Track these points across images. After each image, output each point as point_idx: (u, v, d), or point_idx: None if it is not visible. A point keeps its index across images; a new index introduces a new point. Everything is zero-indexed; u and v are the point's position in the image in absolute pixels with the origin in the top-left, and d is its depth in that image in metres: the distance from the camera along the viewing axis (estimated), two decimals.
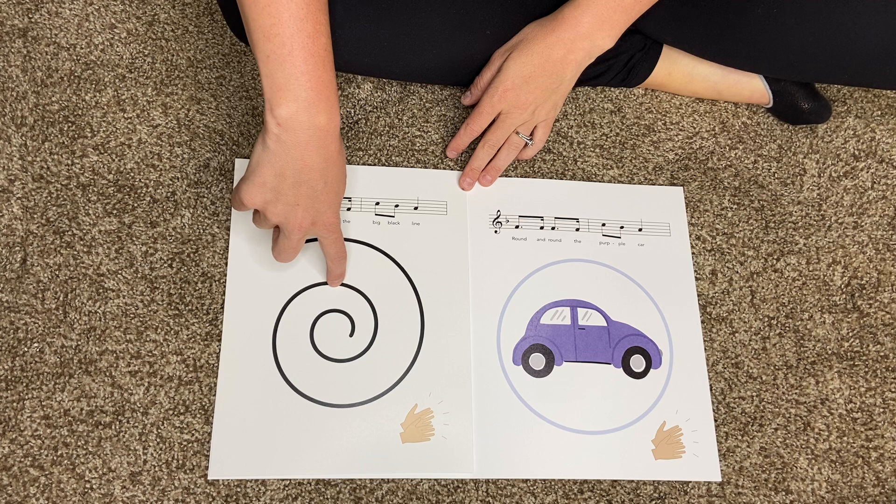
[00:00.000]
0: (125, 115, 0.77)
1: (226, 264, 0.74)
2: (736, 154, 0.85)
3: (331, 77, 0.58)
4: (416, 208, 0.78)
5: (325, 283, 0.74)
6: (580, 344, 0.75)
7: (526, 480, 0.71)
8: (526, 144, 0.79)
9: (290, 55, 0.56)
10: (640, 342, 0.76)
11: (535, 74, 0.72)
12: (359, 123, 0.81)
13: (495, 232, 0.78)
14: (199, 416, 0.69)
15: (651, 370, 0.75)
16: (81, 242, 0.73)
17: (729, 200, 0.83)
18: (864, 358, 0.78)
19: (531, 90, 0.73)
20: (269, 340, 0.72)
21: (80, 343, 0.70)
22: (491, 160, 0.79)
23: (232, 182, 0.76)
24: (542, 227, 0.79)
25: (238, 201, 0.63)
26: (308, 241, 0.75)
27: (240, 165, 0.77)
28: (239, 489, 0.67)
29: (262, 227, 0.66)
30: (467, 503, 0.69)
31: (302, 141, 0.59)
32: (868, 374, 0.78)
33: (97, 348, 0.70)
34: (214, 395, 0.69)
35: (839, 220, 0.84)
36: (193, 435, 0.68)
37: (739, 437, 0.74)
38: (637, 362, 0.76)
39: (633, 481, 0.72)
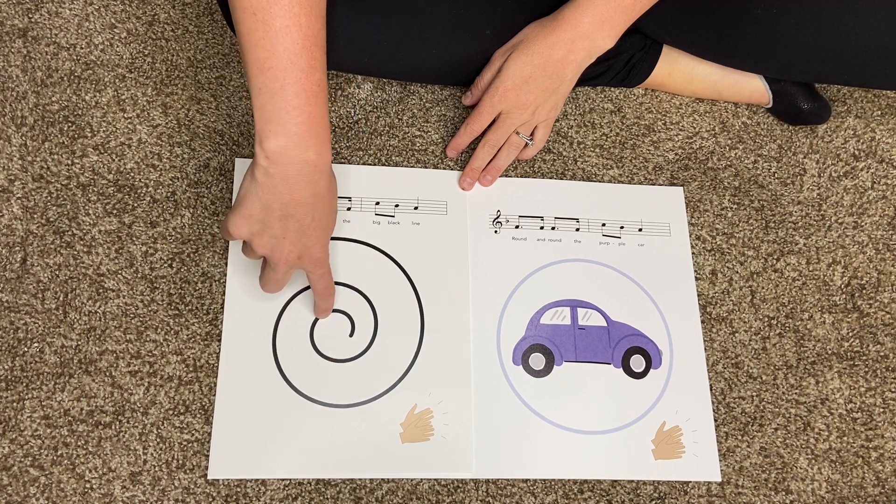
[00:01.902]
0: (125, 115, 0.78)
1: (226, 264, 0.74)
2: (736, 154, 0.85)
3: (323, 113, 0.57)
4: (416, 208, 0.78)
5: None
6: (580, 344, 0.75)
7: (526, 480, 0.71)
8: (526, 144, 0.79)
9: (281, 89, 0.55)
10: (640, 342, 0.76)
11: (536, 75, 0.72)
12: (359, 123, 0.81)
13: (495, 232, 0.78)
14: (199, 416, 0.69)
15: (651, 370, 0.75)
16: (81, 242, 0.73)
17: (729, 200, 0.83)
18: (864, 358, 0.78)
19: (531, 90, 0.73)
20: (269, 340, 0.72)
21: (80, 343, 0.70)
22: (491, 160, 0.79)
23: (232, 182, 0.76)
24: (542, 227, 0.79)
25: (225, 230, 0.62)
26: None
27: (240, 165, 0.77)
28: (239, 489, 0.67)
29: (250, 257, 0.65)
30: (467, 503, 0.69)
31: (290, 175, 0.58)
32: (868, 374, 0.78)
33: (97, 348, 0.70)
34: (214, 395, 0.69)
35: (839, 220, 0.84)
36: (193, 435, 0.68)
37: (739, 437, 0.74)
38: (637, 362, 0.76)
39: (633, 481, 0.72)
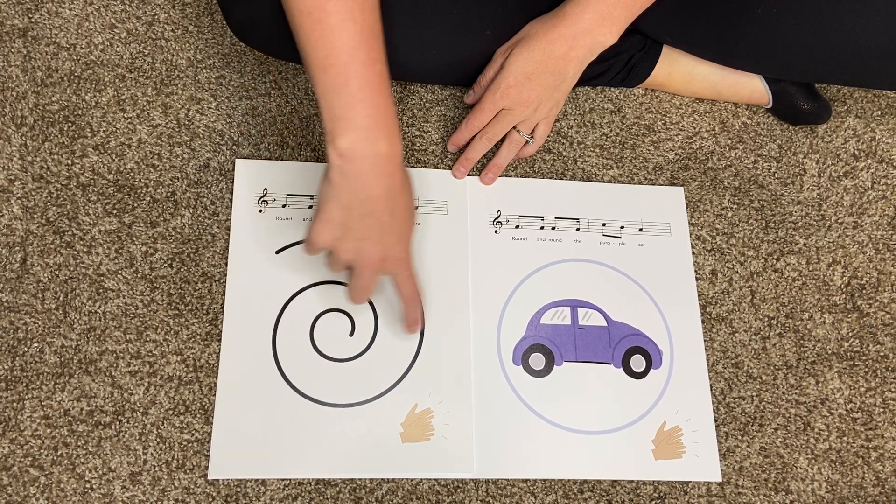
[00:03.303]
0: (125, 115, 0.77)
1: (226, 264, 0.74)
2: (736, 154, 0.85)
3: (388, 103, 0.57)
4: (416, 208, 0.78)
5: (324, 283, 0.74)
6: (580, 344, 0.75)
7: (526, 480, 0.71)
8: (526, 142, 0.79)
9: (346, 84, 0.55)
10: (640, 342, 0.76)
11: (538, 71, 0.72)
12: None
13: (495, 232, 0.78)
14: (199, 416, 0.69)
15: (651, 370, 0.75)
16: (81, 242, 0.73)
17: (729, 200, 0.83)
18: (864, 358, 0.78)
19: (533, 87, 0.73)
20: (269, 340, 0.72)
21: (80, 343, 0.70)
22: (492, 158, 0.79)
23: (232, 182, 0.76)
24: (542, 227, 0.79)
25: (309, 243, 0.63)
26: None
27: (240, 166, 0.77)
28: (239, 489, 0.67)
29: (335, 269, 0.66)
30: (467, 503, 0.69)
31: (364, 170, 0.58)
32: (868, 374, 0.78)
33: (97, 348, 0.70)
34: (214, 395, 0.69)
35: (839, 220, 0.84)
36: (193, 435, 0.68)
37: (739, 437, 0.74)
38: (637, 362, 0.76)
39: (633, 481, 0.72)
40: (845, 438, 0.75)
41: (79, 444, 0.67)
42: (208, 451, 0.68)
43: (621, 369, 0.75)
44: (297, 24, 0.55)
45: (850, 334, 0.79)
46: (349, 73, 0.55)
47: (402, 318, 0.71)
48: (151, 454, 0.67)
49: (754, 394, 0.76)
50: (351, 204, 0.59)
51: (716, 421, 0.75)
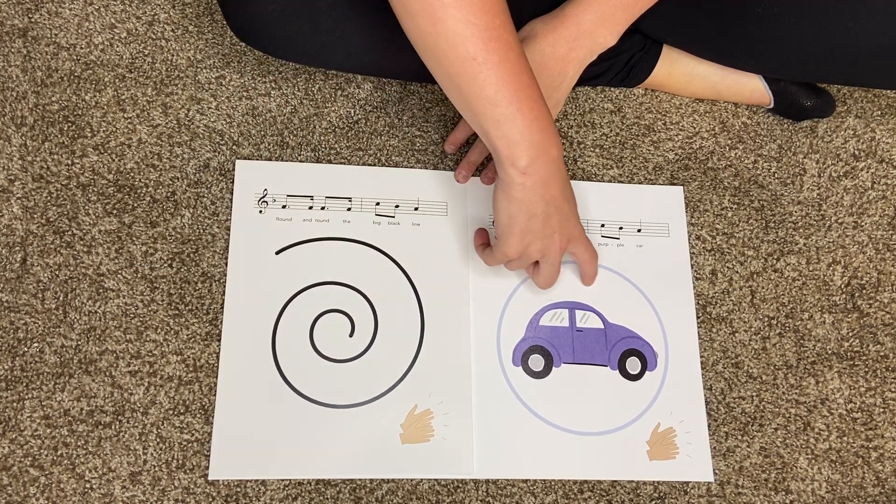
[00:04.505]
0: (125, 115, 0.78)
1: (226, 264, 0.74)
2: (736, 154, 0.85)
3: (544, 104, 0.60)
4: (416, 209, 0.78)
5: (324, 284, 0.74)
6: (578, 346, 0.75)
7: (526, 480, 0.71)
8: None
9: (518, 111, 0.58)
10: (635, 345, 0.76)
11: (538, 72, 0.72)
12: (359, 123, 0.81)
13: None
14: (199, 416, 0.69)
15: (646, 372, 0.75)
16: (81, 242, 0.73)
17: (729, 200, 0.83)
18: (864, 358, 0.78)
19: None
20: (269, 341, 0.72)
21: (80, 343, 0.70)
22: (492, 158, 0.79)
23: (232, 182, 0.76)
24: None
25: (500, 257, 0.67)
26: (307, 241, 0.75)
27: (240, 166, 0.77)
28: (239, 489, 0.67)
29: (517, 267, 0.70)
30: (467, 503, 0.69)
31: (544, 177, 0.62)
32: (868, 374, 0.78)
33: (97, 348, 0.70)
34: (214, 395, 0.69)
35: (839, 220, 0.83)
36: (193, 435, 0.68)
37: (739, 437, 0.74)
38: (633, 364, 0.76)
39: (632, 481, 0.72)
40: (845, 438, 0.75)
41: (79, 444, 0.67)
42: (208, 451, 0.68)
43: (617, 371, 0.75)
44: (458, 73, 0.58)
45: (850, 334, 0.79)
46: (520, 101, 0.58)
47: (581, 274, 0.76)
48: (151, 454, 0.67)
49: (754, 394, 0.76)
50: (535, 211, 0.63)
51: (715, 421, 0.75)
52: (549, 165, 0.61)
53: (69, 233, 0.73)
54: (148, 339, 0.71)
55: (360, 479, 0.69)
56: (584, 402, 0.74)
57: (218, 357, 0.71)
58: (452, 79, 0.59)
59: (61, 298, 0.71)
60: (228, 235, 0.75)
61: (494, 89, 0.58)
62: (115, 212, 0.74)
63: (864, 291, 0.81)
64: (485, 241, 0.75)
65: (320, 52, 0.73)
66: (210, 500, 0.67)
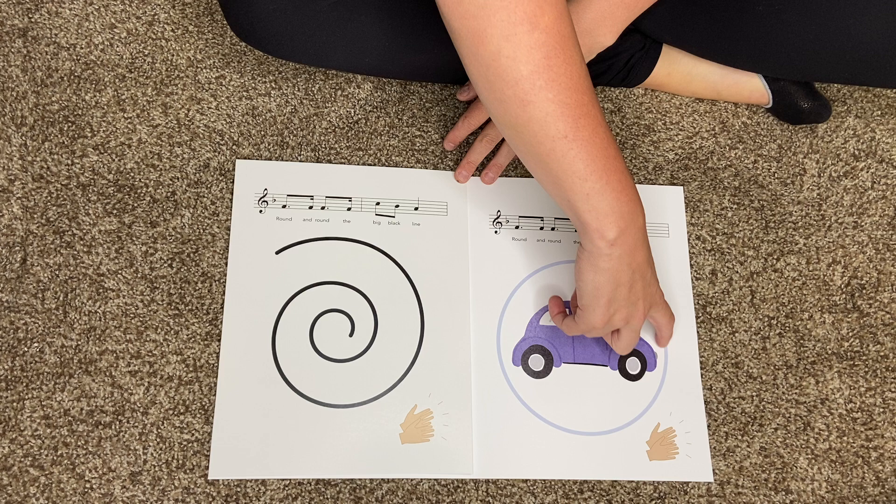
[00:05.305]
0: (125, 115, 0.78)
1: (226, 264, 0.74)
2: (736, 154, 0.85)
3: (629, 175, 0.61)
4: (416, 209, 0.78)
5: (324, 283, 0.74)
6: (578, 346, 0.75)
7: (526, 480, 0.71)
8: None
9: (607, 184, 0.58)
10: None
11: None
12: (359, 123, 0.81)
13: (495, 232, 0.78)
14: (199, 416, 0.69)
15: (646, 372, 0.75)
16: (81, 242, 0.73)
17: (729, 200, 0.83)
18: (864, 358, 0.78)
19: None
20: (269, 340, 0.72)
21: (80, 343, 0.70)
22: (493, 158, 0.79)
23: (232, 182, 0.76)
24: (542, 228, 0.79)
25: (585, 327, 0.67)
26: (307, 241, 0.75)
27: (240, 166, 0.77)
28: (239, 489, 0.67)
29: (597, 335, 0.69)
30: (467, 503, 0.69)
31: (632, 246, 0.62)
32: (868, 374, 0.78)
33: (97, 348, 0.70)
34: (214, 395, 0.69)
35: (839, 220, 0.83)
36: (193, 435, 0.68)
37: (739, 437, 0.74)
38: (633, 364, 0.76)
39: (633, 481, 0.72)
40: (845, 438, 0.75)
41: (79, 444, 0.67)
42: (208, 451, 0.68)
43: (617, 371, 0.75)
44: (549, 150, 0.57)
45: (850, 334, 0.79)
46: (609, 173, 0.58)
47: (657, 337, 0.75)
48: (151, 454, 0.67)
49: (754, 394, 0.76)
50: (620, 280, 0.63)
51: (715, 421, 0.75)
52: (636, 234, 0.61)
53: (69, 233, 0.73)
54: (148, 339, 0.71)
55: (360, 479, 0.69)
56: (584, 402, 0.74)
57: (218, 357, 0.71)
58: (541, 157, 0.58)
59: (61, 298, 0.71)
60: (228, 235, 0.75)
61: (584, 164, 0.57)
62: (115, 212, 0.74)
63: (864, 291, 0.81)
64: (562, 310, 0.74)
65: (320, 52, 0.73)
66: (210, 499, 0.67)
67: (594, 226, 0.60)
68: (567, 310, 0.74)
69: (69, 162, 0.75)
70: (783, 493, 0.73)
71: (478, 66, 0.56)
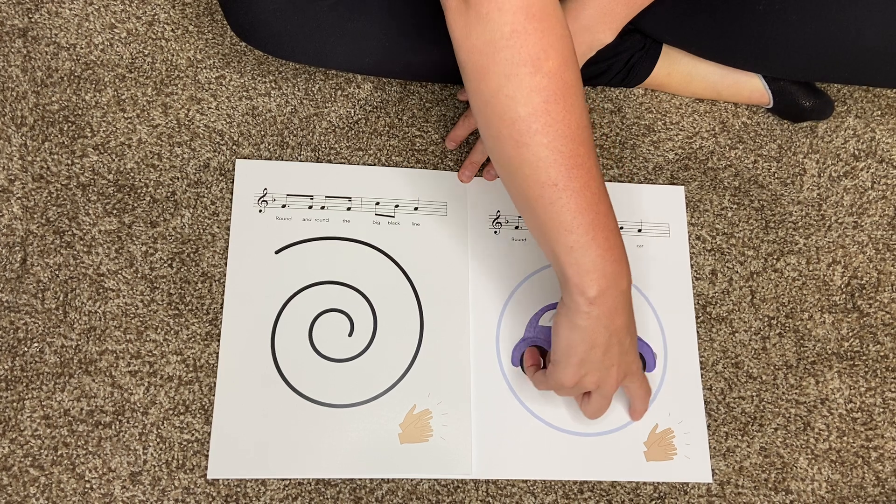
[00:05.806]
0: (125, 115, 0.78)
1: (226, 264, 0.74)
2: (736, 154, 0.85)
3: (619, 235, 0.60)
4: (416, 209, 0.78)
5: (323, 283, 0.74)
6: None
7: (525, 480, 0.71)
8: None
9: (593, 239, 0.57)
10: None
11: None
12: (359, 123, 0.81)
13: (495, 232, 0.78)
14: (198, 416, 0.69)
15: (646, 373, 0.75)
16: (81, 242, 0.73)
17: (729, 200, 0.83)
18: (864, 358, 0.78)
19: None
20: (268, 340, 0.72)
21: (80, 343, 0.70)
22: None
23: (232, 182, 0.76)
24: None
25: (553, 384, 0.65)
26: (307, 240, 0.75)
27: (240, 166, 0.77)
28: (239, 489, 0.67)
29: (567, 395, 0.68)
30: (467, 503, 0.69)
31: (612, 308, 0.60)
32: (868, 374, 0.78)
33: (97, 348, 0.70)
34: (214, 395, 0.69)
35: (839, 220, 0.83)
36: (193, 435, 0.68)
37: (739, 437, 0.74)
38: None
39: (633, 482, 0.72)
40: (845, 438, 0.75)
41: (79, 444, 0.67)
42: (208, 451, 0.68)
43: None
44: (536, 196, 0.57)
45: (850, 334, 0.79)
46: (595, 230, 0.57)
47: (630, 409, 0.73)
48: (151, 454, 0.67)
49: (754, 394, 0.76)
50: (596, 341, 0.61)
51: (715, 421, 0.75)
52: (618, 297, 0.60)
53: (69, 233, 0.73)
54: (148, 339, 0.71)
55: (359, 479, 0.69)
56: None
57: (218, 357, 0.71)
58: (530, 202, 0.58)
59: (61, 298, 0.71)
60: (228, 235, 0.75)
61: (571, 216, 0.57)
62: (115, 212, 0.74)
63: (864, 291, 0.81)
64: (536, 363, 0.72)
65: (320, 52, 0.73)
66: (210, 499, 0.67)
67: (575, 280, 0.59)
68: (543, 361, 0.73)
69: (69, 162, 0.75)
70: (783, 493, 0.73)
71: (478, 102, 0.57)
